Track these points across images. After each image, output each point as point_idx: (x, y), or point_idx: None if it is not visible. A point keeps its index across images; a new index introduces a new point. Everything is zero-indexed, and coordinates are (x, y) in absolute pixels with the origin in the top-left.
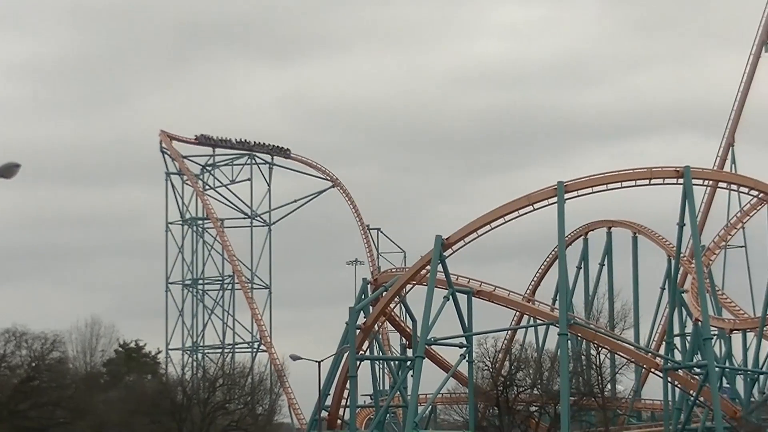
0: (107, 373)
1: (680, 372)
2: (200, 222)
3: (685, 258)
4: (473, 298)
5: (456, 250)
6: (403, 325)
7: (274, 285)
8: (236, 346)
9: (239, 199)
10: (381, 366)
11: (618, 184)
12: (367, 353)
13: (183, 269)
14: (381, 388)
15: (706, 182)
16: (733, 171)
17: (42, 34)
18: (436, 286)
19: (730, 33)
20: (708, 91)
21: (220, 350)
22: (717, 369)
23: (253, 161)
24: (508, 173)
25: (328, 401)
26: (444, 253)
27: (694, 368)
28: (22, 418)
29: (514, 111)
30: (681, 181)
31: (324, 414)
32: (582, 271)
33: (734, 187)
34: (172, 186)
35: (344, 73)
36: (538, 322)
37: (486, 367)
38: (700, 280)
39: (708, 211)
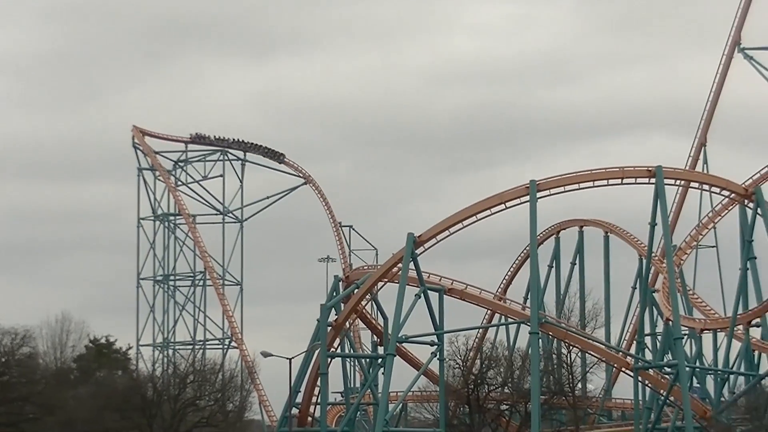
0: (77, 368)
1: (651, 371)
2: (172, 218)
3: (656, 257)
4: (445, 296)
5: (428, 248)
6: (374, 322)
7: (246, 281)
8: (207, 343)
9: (211, 195)
10: (352, 363)
11: (590, 183)
12: (339, 350)
13: (154, 265)
14: (352, 385)
15: (678, 182)
16: (705, 171)
17: (15, 30)
18: (408, 284)
19: (704, 33)
20: (681, 91)
21: (191, 347)
22: (687, 369)
23: (226, 157)
24: (482, 171)
25: (299, 398)
26: (416, 251)
27: (665, 368)
28: None
29: (487, 109)
30: (653, 180)
31: (295, 411)
32: (553, 270)
33: (706, 187)
34: (144, 182)
35: (318, 70)
36: (510, 320)
37: (457, 366)
38: (671, 279)
39: (680, 210)
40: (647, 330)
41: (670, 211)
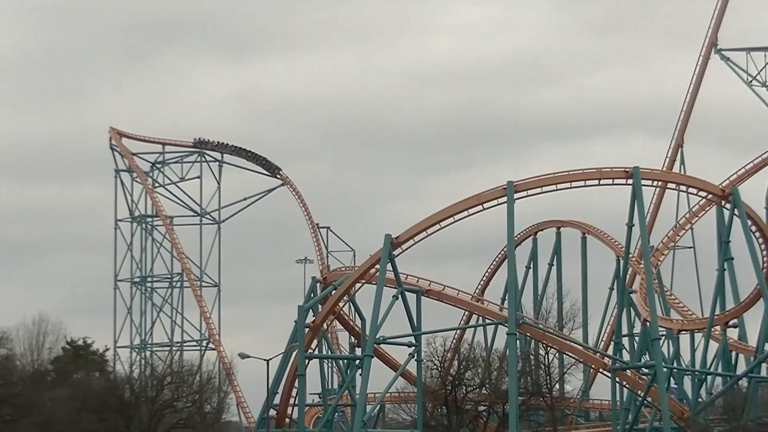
0: (54, 370)
1: (628, 372)
2: (149, 219)
3: (633, 258)
4: (422, 297)
5: (405, 249)
6: (352, 323)
7: (223, 283)
8: (185, 344)
9: (189, 196)
10: (330, 365)
11: (567, 185)
12: (316, 352)
13: (132, 267)
14: (330, 386)
15: (655, 183)
16: (682, 172)
17: None
18: (386, 285)
19: (682, 34)
20: (659, 92)
21: (168, 348)
22: (665, 369)
23: (203, 159)
24: (460, 172)
25: (277, 400)
26: (393, 252)
27: (643, 368)
28: None
29: (466, 110)
30: (630, 181)
31: (272, 412)
32: (531, 270)
33: (683, 188)
34: (122, 183)
35: (297, 71)
36: (487, 321)
37: (434, 367)
38: (648, 280)
39: (657, 211)
40: (625, 331)
41: (647, 212)
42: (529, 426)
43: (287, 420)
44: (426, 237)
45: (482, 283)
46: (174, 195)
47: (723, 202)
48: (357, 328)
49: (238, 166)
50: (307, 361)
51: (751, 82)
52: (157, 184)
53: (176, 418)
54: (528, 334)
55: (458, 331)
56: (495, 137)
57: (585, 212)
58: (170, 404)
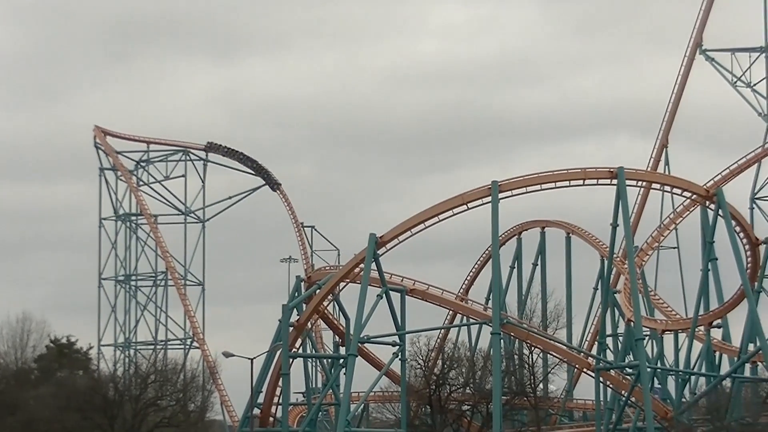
0: (38, 369)
1: (612, 372)
2: (134, 218)
3: (618, 258)
4: (407, 296)
5: (390, 249)
6: (336, 323)
7: (208, 282)
8: (169, 343)
9: (173, 195)
10: (314, 364)
11: (552, 185)
12: (300, 351)
13: (116, 265)
14: (314, 386)
15: (639, 183)
16: (667, 172)
17: None
18: (370, 285)
19: (668, 34)
20: (644, 93)
21: (152, 347)
22: (649, 369)
23: (188, 158)
24: (446, 173)
25: (261, 399)
26: (378, 252)
27: (626, 368)
28: None
29: (452, 110)
30: (615, 181)
31: (256, 411)
32: (515, 270)
33: (667, 188)
34: (106, 182)
35: (282, 71)
36: (471, 321)
37: (419, 366)
38: (632, 280)
39: (641, 212)
40: (609, 331)
41: (631, 213)
42: (513, 426)
43: (271, 419)
44: (411, 236)
45: (467, 282)
46: (158, 193)
47: (707, 202)
48: (341, 327)
49: (223, 165)
50: (291, 360)
51: (735, 82)
52: (141, 183)
53: (160, 417)
54: (512, 334)
55: (442, 330)
56: (481, 137)
57: (570, 212)
58: (154, 403)
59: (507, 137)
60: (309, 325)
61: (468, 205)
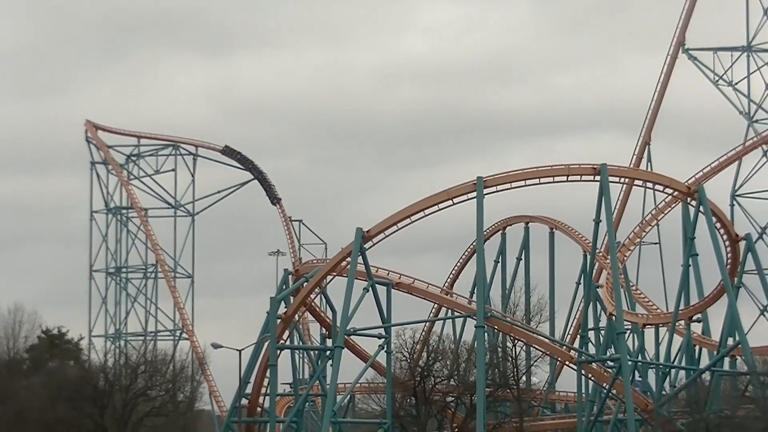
0: (29, 359)
1: (594, 365)
2: (124, 211)
3: (600, 254)
4: (392, 290)
5: (376, 243)
6: (323, 315)
7: (197, 274)
8: (158, 334)
9: (163, 189)
10: (301, 355)
11: (536, 180)
12: (288, 343)
13: (107, 257)
14: (301, 377)
15: (622, 180)
16: (649, 169)
17: None
18: (356, 278)
19: (652, 34)
20: (628, 91)
21: (142, 338)
22: (630, 363)
23: (178, 152)
24: (432, 168)
25: (249, 389)
26: (364, 246)
27: (608, 362)
28: None
29: (439, 107)
30: (598, 178)
31: (244, 402)
32: (499, 265)
33: (649, 184)
34: (97, 175)
35: (272, 68)
36: (456, 314)
37: (404, 358)
38: (614, 275)
39: (624, 208)
40: (591, 324)
41: (614, 209)
42: (496, 417)
43: (259, 409)
44: (397, 231)
45: (451, 276)
46: (149, 187)
47: (688, 199)
48: (328, 320)
49: (212, 160)
50: (278, 351)
51: (717, 81)
52: (132, 177)
53: (149, 407)
54: (496, 327)
55: (427, 323)
56: (467, 134)
57: (553, 208)
58: (144, 393)
59: (493, 134)
60: (296, 317)
61: (453, 200)
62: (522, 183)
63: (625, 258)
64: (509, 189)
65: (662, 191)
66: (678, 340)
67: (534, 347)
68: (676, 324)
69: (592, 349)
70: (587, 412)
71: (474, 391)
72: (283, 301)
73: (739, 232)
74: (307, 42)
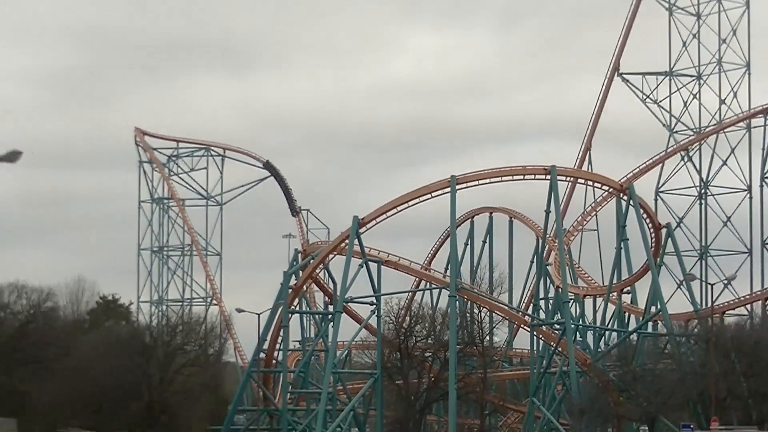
0: (90, 320)
1: (544, 328)
2: (166, 201)
3: (550, 238)
4: (382, 266)
5: (369, 228)
6: (326, 286)
7: (225, 252)
8: (193, 301)
9: (197, 183)
10: (308, 319)
11: (499, 179)
12: (297, 308)
13: (152, 238)
14: (307, 336)
15: (568, 179)
16: (590, 170)
17: (42, 47)
18: (353, 257)
19: (593, 60)
20: (574, 106)
21: (180, 303)
22: (572, 326)
23: (209, 154)
24: (415, 168)
25: (265, 346)
26: (360, 230)
27: (555, 325)
28: (21, 353)
29: (421, 119)
30: (548, 177)
31: (262, 355)
32: (468, 246)
33: (590, 182)
34: (144, 172)
35: (287, 85)
36: (433, 286)
37: (391, 321)
38: (561, 255)
39: (569, 201)
40: (542, 295)
41: (561, 202)
42: (465, 369)
43: (274, 362)
44: (386, 218)
45: (430, 255)
46: (185, 182)
47: (621, 194)
48: (330, 290)
49: (237, 160)
50: (290, 315)
51: (645, 99)
52: (172, 173)
53: (185, 359)
54: (465, 297)
55: (410, 293)
56: (444, 140)
57: (512, 201)
58: (181, 347)
59: (465, 140)
60: (304, 288)
61: (432, 194)
62: (487, 180)
63: (570, 241)
64: (477, 185)
65: (600, 188)
66: (611, 308)
67: (496, 313)
68: (610, 295)
69: (542, 315)
70: (538, 366)
71: (447, 348)
72: (293, 275)
73: (661, 221)
74: (315, 64)
